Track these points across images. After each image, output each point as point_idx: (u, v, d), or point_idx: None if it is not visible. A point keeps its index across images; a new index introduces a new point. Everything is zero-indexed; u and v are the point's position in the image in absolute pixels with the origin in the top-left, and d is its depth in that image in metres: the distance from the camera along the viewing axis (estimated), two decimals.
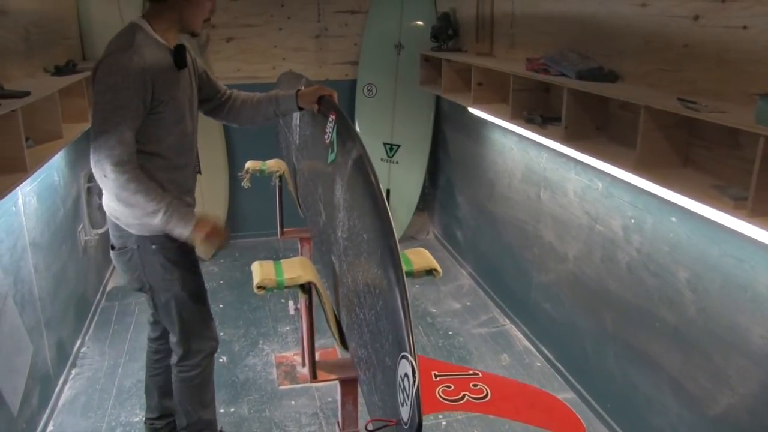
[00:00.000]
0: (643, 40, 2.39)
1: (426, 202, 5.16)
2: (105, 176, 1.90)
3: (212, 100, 2.42)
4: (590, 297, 2.88)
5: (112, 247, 2.24)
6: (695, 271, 2.20)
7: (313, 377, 1.89)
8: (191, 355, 2.33)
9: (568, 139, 2.63)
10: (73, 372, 3.23)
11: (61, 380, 3.07)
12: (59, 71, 2.99)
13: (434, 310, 3.91)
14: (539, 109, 3.01)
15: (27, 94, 2.26)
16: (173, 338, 2.33)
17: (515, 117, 3.08)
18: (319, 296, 1.87)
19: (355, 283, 1.56)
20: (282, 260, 1.96)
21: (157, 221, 1.97)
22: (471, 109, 3.53)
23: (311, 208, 2.50)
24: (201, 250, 2.19)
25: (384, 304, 1.25)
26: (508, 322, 3.72)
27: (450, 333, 3.65)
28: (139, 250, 2.15)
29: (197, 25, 2.13)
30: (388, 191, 4.84)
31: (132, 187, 1.91)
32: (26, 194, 2.75)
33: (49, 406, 2.87)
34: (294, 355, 3.42)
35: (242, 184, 3.09)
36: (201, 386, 2.41)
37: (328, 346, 3.45)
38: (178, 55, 2.06)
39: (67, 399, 3.02)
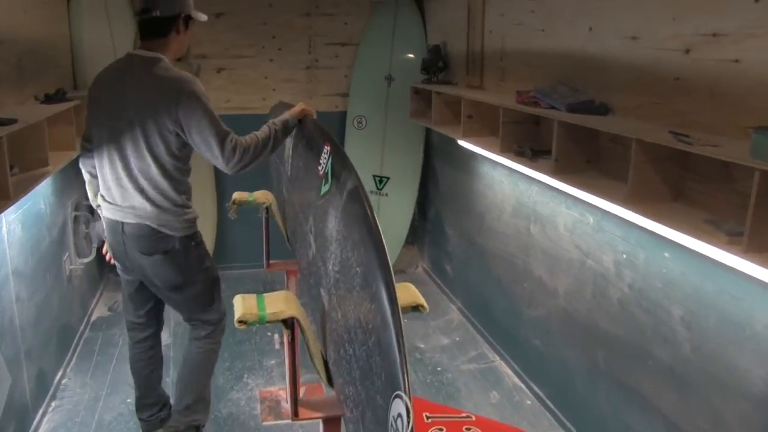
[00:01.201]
0: (634, 74, 2.39)
1: (415, 236, 5.13)
2: (240, 160, 2.32)
3: None
4: (581, 333, 2.84)
5: (149, 254, 2.45)
6: (689, 308, 2.17)
7: (295, 415, 1.83)
8: (219, 328, 2.72)
9: (558, 173, 2.61)
10: (53, 404, 3.13)
11: (40, 413, 2.98)
12: (49, 99, 2.96)
13: (422, 346, 3.84)
14: (529, 142, 3.00)
15: (13, 121, 2.22)
16: (205, 317, 2.66)
17: (505, 150, 3.07)
18: (303, 332, 1.81)
19: (346, 317, 1.51)
20: (265, 294, 1.90)
21: (279, 137, 2.43)
22: (461, 142, 3.52)
23: (300, 240, 2.45)
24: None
25: (377, 340, 1.21)
26: (498, 358, 3.66)
27: (439, 369, 3.58)
28: (184, 249, 2.49)
29: (182, 53, 2.60)
30: None
31: (255, 148, 2.35)
32: (10, 222, 2.69)
33: None
34: (279, 390, 3.34)
35: (229, 215, 3.05)
36: (215, 358, 2.76)
37: (315, 381, 3.37)
38: None
39: None
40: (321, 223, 1.85)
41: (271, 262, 3.12)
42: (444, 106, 3.84)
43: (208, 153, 2.32)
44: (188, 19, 2.50)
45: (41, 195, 3.15)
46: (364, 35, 4.67)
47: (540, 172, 2.75)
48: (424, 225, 4.97)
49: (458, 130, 3.52)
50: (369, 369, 1.27)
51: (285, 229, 2.99)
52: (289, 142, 2.62)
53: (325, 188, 1.83)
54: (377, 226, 1.35)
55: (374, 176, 4.78)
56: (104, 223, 2.55)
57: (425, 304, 1.97)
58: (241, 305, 1.83)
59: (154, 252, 2.44)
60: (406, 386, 1.04)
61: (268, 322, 1.80)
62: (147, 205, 2.39)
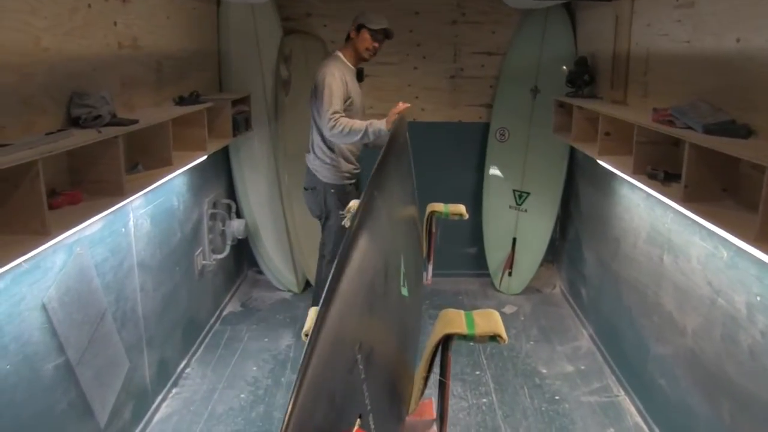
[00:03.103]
0: None
1: (555, 254, 4.89)
2: (331, 131, 3.35)
3: None
4: (708, 379, 2.52)
5: (305, 189, 3.70)
6: None
7: None
8: (333, 253, 3.58)
9: (687, 200, 2.35)
10: (174, 391, 3.37)
11: (160, 398, 3.21)
12: (182, 101, 3.18)
13: (544, 371, 3.64)
14: (665, 164, 2.73)
15: (134, 122, 2.42)
16: (328, 246, 3.65)
17: (638, 171, 2.82)
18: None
19: None
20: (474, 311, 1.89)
21: (368, 136, 3.34)
22: (598, 160, 3.30)
23: None
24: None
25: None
26: (623, 392, 3.37)
27: (557, 398, 3.37)
28: (324, 190, 3.59)
29: (359, 53, 3.56)
30: (514, 240, 4.64)
31: (344, 130, 3.34)
32: (138, 216, 2.93)
33: (143, 422, 3.01)
34: None
35: (342, 223, 3.09)
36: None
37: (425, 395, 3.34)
38: (359, 74, 3.67)
39: (161, 416, 3.15)
40: None
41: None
42: (585, 121, 3.61)
43: (321, 119, 3.42)
44: (361, 27, 3.51)
45: (174, 192, 3.40)
46: (512, 45, 4.53)
47: (669, 198, 2.50)
48: (564, 244, 4.72)
49: (595, 148, 3.30)
50: None
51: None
52: None
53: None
54: None
55: (514, 191, 4.62)
56: None
57: (504, 336, 1.84)
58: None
59: (307, 188, 3.68)
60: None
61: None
62: (310, 153, 3.62)
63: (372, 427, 1.24)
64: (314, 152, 3.59)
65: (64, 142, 2.02)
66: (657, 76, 3.08)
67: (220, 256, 4.12)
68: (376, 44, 3.54)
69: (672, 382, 2.85)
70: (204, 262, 3.94)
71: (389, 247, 1.74)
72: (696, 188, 2.34)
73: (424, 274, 3.07)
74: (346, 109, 3.43)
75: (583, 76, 3.87)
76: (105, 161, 2.34)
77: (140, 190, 2.56)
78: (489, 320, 1.87)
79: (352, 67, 3.60)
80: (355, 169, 3.68)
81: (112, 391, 2.70)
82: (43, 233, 1.93)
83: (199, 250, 3.86)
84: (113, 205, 2.33)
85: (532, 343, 3.96)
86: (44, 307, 2.22)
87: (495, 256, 4.72)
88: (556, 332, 4.10)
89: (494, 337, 1.82)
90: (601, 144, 3.23)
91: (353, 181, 3.69)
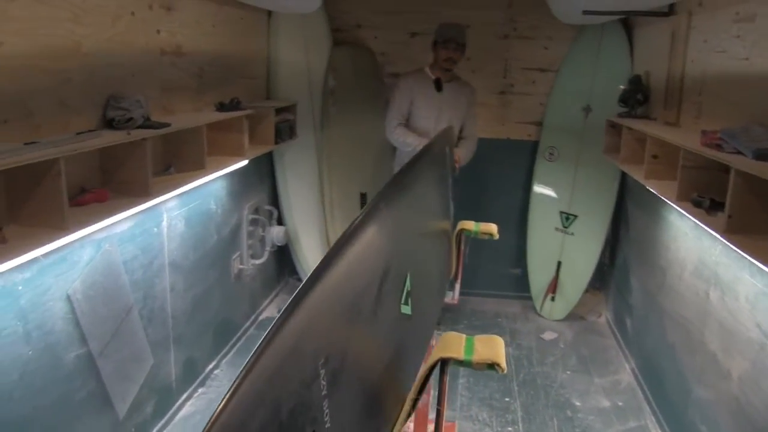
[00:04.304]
0: None
1: (603, 281, 4.70)
2: (388, 136, 3.98)
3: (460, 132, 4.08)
4: None
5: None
6: None
7: None
8: None
9: (730, 231, 2.19)
10: (200, 391, 3.38)
11: (184, 396, 3.23)
12: (222, 107, 3.20)
13: (578, 404, 3.47)
14: (713, 192, 2.56)
15: (166, 125, 2.44)
16: None
17: (682, 198, 2.66)
18: None
19: None
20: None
21: (412, 149, 3.75)
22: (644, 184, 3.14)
23: None
24: None
25: None
26: None
27: None
28: None
29: (439, 64, 3.90)
30: (559, 263, 4.48)
31: (398, 139, 3.94)
32: (173, 217, 2.96)
33: (165, 418, 3.03)
34: (409, 422, 3.24)
35: None
36: None
37: (449, 419, 3.24)
38: (436, 82, 3.93)
39: (184, 414, 3.16)
40: None
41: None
42: (634, 142, 3.45)
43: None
44: (434, 42, 3.90)
45: (212, 195, 3.42)
46: (565, 61, 4.40)
47: (711, 228, 2.34)
48: (612, 271, 4.52)
49: (642, 171, 3.14)
50: None
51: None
52: None
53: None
54: None
55: (561, 213, 4.47)
56: None
57: (503, 365, 1.74)
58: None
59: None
60: None
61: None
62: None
63: None
64: None
65: (87, 143, 2.05)
66: (711, 96, 2.91)
67: (258, 262, 4.13)
68: (450, 54, 3.84)
69: (714, 431, 2.66)
70: (241, 266, 3.95)
71: (389, 263, 1.68)
72: (741, 219, 2.18)
73: (450, 293, 2.97)
74: (412, 115, 3.94)
75: (636, 96, 3.71)
76: (133, 162, 2.37)
77: (168, 192, 2.58)
78: (490, 347, 1.77)
79: (431, 77, 3.94)
80: None
81: (134, 385, 2.73)
82: (62, 228, 1.97)
83: (237, 255, 3.88)
84: (137, 205, 2.35)
85: (569, 372, 3.80)
86: (69, 299, 2.28)
87: (538, 279, 4.57)
88: (596, 363, 3.92)
89: (492, 365, 1.74)
90: (647, 167, 3.08)
91: None
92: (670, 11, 3.42)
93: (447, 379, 1.75)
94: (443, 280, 2.77)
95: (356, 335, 1.38)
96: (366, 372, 1.45)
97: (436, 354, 1.73)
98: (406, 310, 1.88)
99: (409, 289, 1.93)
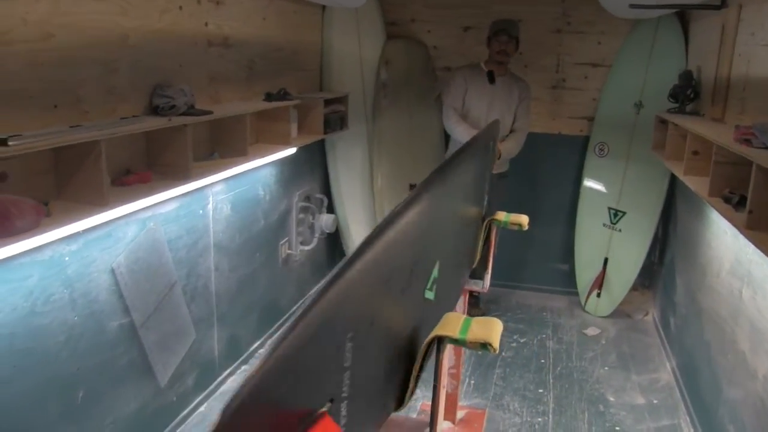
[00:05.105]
0: None
1: (652, 280, 4.61)
2: (444, 122, 4.15)
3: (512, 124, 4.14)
4: None
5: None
6: None
7: None
8: None
9: (750, 227, 2.16)
10: (242, 368, 3.55)
11: (227, 372, 3.40)
12: (269, 98, 3.35)
13: (612, 399, 3.45)
14: (745, 188, 2.51)
15: (208, 113, 2.60)
16: None
17: (714, 194, 2.62)
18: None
19: None
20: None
21: (461, 139, 3.86)
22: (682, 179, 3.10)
23: None
24: None
25: None
26: None
27: (617, 429, 3.19)
28: None
29: (493, 58, 4.01)
30: (605, 260, 4.43)
31: (450, 126, 4.08)
32: (218, 201, 3.14)
33: (207, 391, 3.20)
34: None
35: None
36: None
37: (480, 407, 3.31)
38: (489, 75, 4.02)
39: (225, 389, 3.33)
40: None
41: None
42: (679, 139, 3.39)
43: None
44: (489, 37, 4.00)
45: (260, 182, 3.58)
46: (618, 56, 4.33)
47: (733, 223, 2.30)
48: (660, 270, 4.44)
49: (682, 167, 3.10)
50: None
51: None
52: None
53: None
54: None
55: (609, 209, 4.42)
56: None
57: (495, 345, 1.79)
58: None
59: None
60: None
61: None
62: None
63: (342, 413, 1.27)
64: None
65: (126, 127, 2.22)
66: (756, 90, 2.84)
67: (306, 248, 4.28)
68: (503, 47, 3.94)
69: (740, 431, 2.61)
70: (289, 251, 4.11)
71: (423, 250, 1.77)
72: (762, 214, 2.14)
73: (481, 282, 3.02)
74: (465, 105, 4.07)
75: (686, 91, 3.63)
76: (175, 147, 2.54)
77: (208, 176, 2.74)
78: (486, 328, 1.82)
79: (484, 69, 4.05)
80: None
81: (175, 357, 2.91)
82: (102, 204, 2.13)
83: (285, 240, 4.04)
84: (177, 187, 2.51)
85: (606, 368, 3.77)
86: (113, 271, 2.46)
87: (584, 275, 4.53)
88: (636, 361, 3.88)
89: (485, 345, 1.79)
90: (687, 163, 3.03)
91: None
92: (722, 4, 3.33)
93: (443, 356, 1.82)
94: (466, 271, 2.83)
95: (383, 314, 1.49)
96: (385, 349, 1.55)
97: (434, 332, 1.79)
98: (429, 295, 1.97)
99: (435, 276, 2.02)
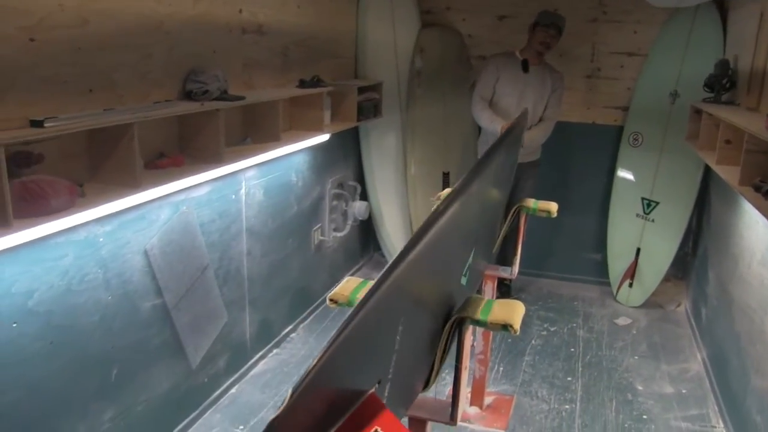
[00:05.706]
0: None
1: (685, 270, 4.55)
2: (472, 107, 4.15)
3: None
4: None
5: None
6: None
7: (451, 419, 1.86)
8: None
9: None
10: (274, 351, 3.62)
11: (258, 355, 3.47)
12: (303, 84, 3.41)
13: (640, 388, 3.44)
14: None
15: (240, 98, 2.67)
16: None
17: (745, 182, 2.59)
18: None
19: None
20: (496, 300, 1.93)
21: (486, 127, 4.04)
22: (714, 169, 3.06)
23: None
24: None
25: None
26: (721, 424, 3.10)
27: (644, 417, 3.18)
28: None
29: (533, 47, 4.01)
30: (638, 250, 4.39)
31: (475, 112, 4.12)
32: (251, 186, 3.21)
33: (238, 373, 3.28)
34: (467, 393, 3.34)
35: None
36: None
37: (509, 393, 3.33)
38: (523, 63, 4.01)
39: (256, 372, 3.41)
40: None
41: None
42: (713, 128, 3.33)
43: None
44: (534, 24, 3.98)
45: (293, 168, 3.64)
46: (654, 46, 4.27)
47: (761, 212, 2.28)
48: (694, 260, 4.38)
49: (714, 156, 3.06)
50: None
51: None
52: None
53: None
54: None
55: (642, 199, 4.37)
56: None
57: (516, 326, 1.82)
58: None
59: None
60: None
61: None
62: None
63: (386, 394, 1.32)
64: None
65: (158, 111, 2.30)
66: None
67: (339, 234, 4.34)
68: (548, 39, 3.94)
69: (767, 421, 2.58)
70: (322, 237, 4.16)
71: (464, 240, 1.81)
72: None
73: (509, 269, 3.04)
74: (497, 92, 4.07)
75: (722, 81, 3.57)
76: (207, 131, 2.61)
77: (240, 161, 2.80)
78: (507, 309, 1.85)
79: (519, 58, 4.04)
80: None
81: (207, 339, 3.00)
82: (134, 186, 2.21)
83: (318, 226, 4.10)
84: (209, 170, 2.58)
85: (636, 358, 3.75)
86: (146, 253, 2.54)
87: (617, 265, 4.50)
88: (666, 351, 3.84)
89: (506, 326, 1.82)
90: (719, 152, 3.00)
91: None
92: None
93: (465, 338, 1.84)
94: (490, 257, 2.86)
95: (427, 300, 1.55)
96: (424, 333, 1.60)
97: (456, 314, 1.82)
98: (464, 281, 2.01)
99: (470, 263, 2.06)
